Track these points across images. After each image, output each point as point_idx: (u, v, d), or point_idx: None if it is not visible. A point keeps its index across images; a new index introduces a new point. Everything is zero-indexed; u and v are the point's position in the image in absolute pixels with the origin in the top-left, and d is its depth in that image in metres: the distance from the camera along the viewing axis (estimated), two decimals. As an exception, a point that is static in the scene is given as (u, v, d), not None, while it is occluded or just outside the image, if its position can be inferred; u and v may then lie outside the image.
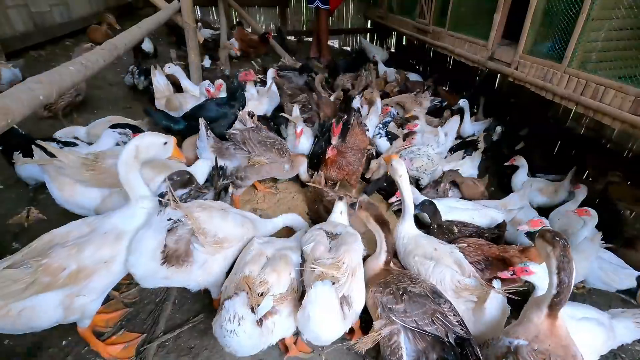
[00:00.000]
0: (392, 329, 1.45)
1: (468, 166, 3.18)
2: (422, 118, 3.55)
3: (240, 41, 5.33)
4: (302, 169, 2.73)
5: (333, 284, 1.38)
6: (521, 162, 3.14)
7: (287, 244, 1.75)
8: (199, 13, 7.32)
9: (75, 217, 1.68)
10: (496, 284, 1.61)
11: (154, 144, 1.57)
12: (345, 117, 2.93)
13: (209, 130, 2.37)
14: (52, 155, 1.72)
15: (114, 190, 1.82)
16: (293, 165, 2.67)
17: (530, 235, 2.30)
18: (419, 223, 2.40)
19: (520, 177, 3.13)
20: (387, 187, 2.89)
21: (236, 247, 1.74)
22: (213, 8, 7.40)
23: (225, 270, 1.71)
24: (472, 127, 3.93)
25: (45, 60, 4.05)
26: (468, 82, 5.17)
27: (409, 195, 1.97)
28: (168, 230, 1.51)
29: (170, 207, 1.42)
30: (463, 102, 3.86)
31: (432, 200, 2.41)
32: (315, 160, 2.87)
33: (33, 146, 1.79)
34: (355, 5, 7.88)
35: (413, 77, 5.61)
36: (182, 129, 2.65)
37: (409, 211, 1.97)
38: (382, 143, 3.37)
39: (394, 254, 1.84)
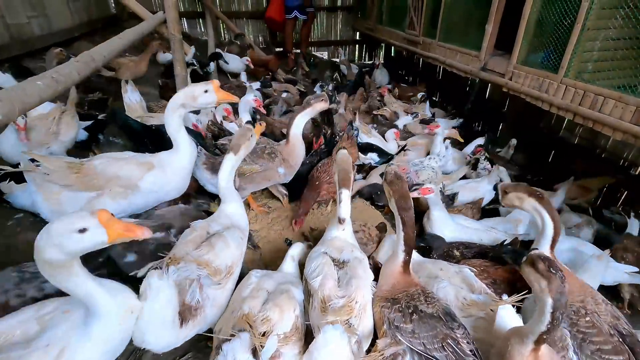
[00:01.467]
0: (397, 349, 1.31)
1: (484, 185, 3.00)
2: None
3: (252, 62, 5.51)
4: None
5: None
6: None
7: (287, 278, 1.60)
8: (185, 26, 7.22)
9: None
10: (505, 297, 1.50)
11: (194, 92, 1.72)
12: (329, 131, 2.83)
13: (199, 147, 2.25)
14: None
15: (100, 192, 1.69)
16: (287, 164, 2.42)
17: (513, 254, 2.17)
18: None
19: None
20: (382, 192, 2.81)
21: (239, 267, 1.64)
22: (200, 20, 7.31)
23: (229, 298, 1.56)
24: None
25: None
26: (459, 93, 5.17)
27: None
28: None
29: (175, 264, 1.29)
30: (456, 122, 3.88)
31: (439, 236, 2.32)
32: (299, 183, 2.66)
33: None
34: (344, 17, 7.90)
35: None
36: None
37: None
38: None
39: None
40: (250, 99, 3.36)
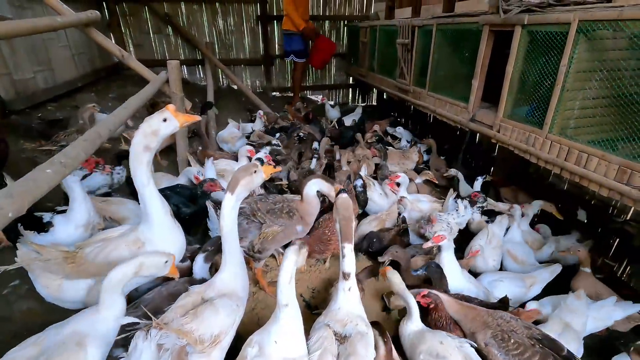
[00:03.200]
0: None
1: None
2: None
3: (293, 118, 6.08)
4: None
5: None
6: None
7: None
8: (185, 72, 7.51)
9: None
10: None
11: (152, 127, 1.59)
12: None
13: (210, 207, 2.28)
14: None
15: (98, 278, 1.68)
16: (304, 222, 2.40)
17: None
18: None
19: None
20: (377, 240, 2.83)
21: (233, 332, 1.62)
22: (199, 67, 7.62)
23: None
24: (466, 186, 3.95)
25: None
26: (450, 136, 5.34)
27: (412, 299, 1.93)
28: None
29: (156, 329, 1.30)
30: (454, 172, 3.97)
31: (443, 273, 2.33)
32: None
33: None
34: (337, 62, 8.28)
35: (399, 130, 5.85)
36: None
37: (414, 312, 1.91)
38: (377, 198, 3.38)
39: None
40: (245, 150, 3.48)
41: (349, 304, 1.68)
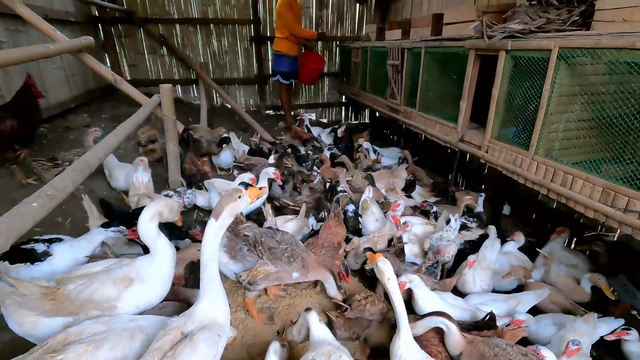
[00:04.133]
0: None
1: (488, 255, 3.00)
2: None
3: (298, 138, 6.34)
4: (330, 287, 2.50)
5: None
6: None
7: None
8: (179, 92, 7.58)
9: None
10: None
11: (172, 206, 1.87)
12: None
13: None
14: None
15: (77, 317, 1.64)
16: (307, 272, 2.40)
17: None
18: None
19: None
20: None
21: None
22: (193, 86, 7.69)
23: None
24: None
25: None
26: (441, 155, 5.41)
27: (400, 302, 1.79)
28: None
29: None
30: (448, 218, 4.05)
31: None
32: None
33: None
34: (330, 81, 8.42)
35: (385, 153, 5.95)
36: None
37: (403, 321, 1.77)
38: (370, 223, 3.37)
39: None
40: (270, 171, 3.53)
41: (328, 336, 1.73)
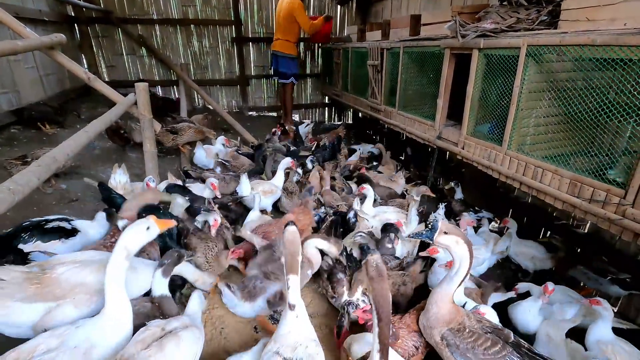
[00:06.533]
0: None
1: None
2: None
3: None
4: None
5: None
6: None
7: None
8: (160, 92, 7.47)
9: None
10: None
11: (138, 235, 1.63)
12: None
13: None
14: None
15: (62, 301, 1.61)
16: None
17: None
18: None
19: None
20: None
21: None
22: (174, 87, 7.60)
23: None
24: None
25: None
26: (422, 153, 5.50)
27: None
28: None
29: None
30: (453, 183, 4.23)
31: None
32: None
33: None
34: (313, 82, 8.45)
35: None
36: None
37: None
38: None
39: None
40: (288, 161, 3.85)
41: (299, 327, 1.64)
